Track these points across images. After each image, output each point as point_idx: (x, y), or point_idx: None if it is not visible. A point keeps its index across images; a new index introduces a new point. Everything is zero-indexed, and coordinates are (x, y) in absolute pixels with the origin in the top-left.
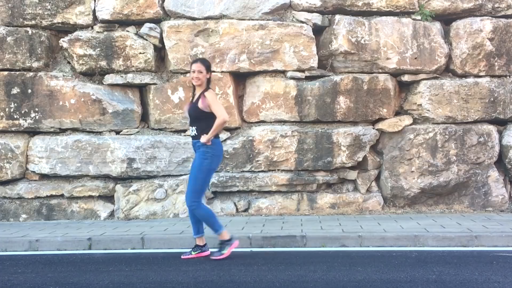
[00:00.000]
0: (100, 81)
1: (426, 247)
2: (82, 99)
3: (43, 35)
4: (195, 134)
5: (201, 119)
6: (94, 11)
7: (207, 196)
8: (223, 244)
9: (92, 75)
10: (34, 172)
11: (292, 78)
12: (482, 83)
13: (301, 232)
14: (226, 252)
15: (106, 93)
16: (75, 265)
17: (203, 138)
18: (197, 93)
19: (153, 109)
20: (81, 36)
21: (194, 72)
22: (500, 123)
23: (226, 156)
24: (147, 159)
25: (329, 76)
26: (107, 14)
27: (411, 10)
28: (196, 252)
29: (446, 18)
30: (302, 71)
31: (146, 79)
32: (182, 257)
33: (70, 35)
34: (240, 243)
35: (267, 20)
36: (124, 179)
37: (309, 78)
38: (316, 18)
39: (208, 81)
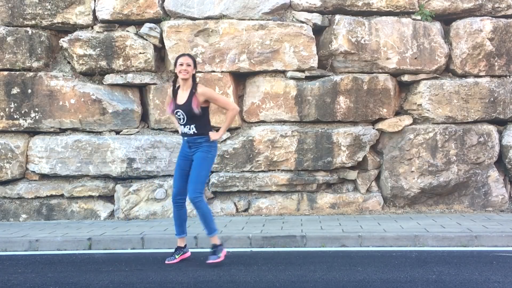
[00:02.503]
0: (100, 81)
1: (426, 247)
2: (82, 99)
3: (43, 35)
4: (194, 132)
5: (199, 117)
6: (94, 11)
7: (207, 196)
8: (217, 248)
9: (92, 75)
10: (34, 172)
11: (292, 78)
12: (482, 83)
13: (301, 232)
14: (222, 255)
15: (106, 93)
16: (75, 265)
17: (215, 135)
18: (183, 90)
19: (153, 109)
20: (81, 36)
21: (182, 65)
22: (500, 123)
23: (226, 156)
24: (147, 159)
25: (329, 76)
26: (107, 14)
27: (411, 10)
28: (179, 255)
29: (446, 18)
30: (302, 71)
31: (146, 79)
32: (166, 262)
33: (70, 35)
34: (240, 243)
35: (267, 20)
36: (124, 179)
37: (309, 78)
38: (316, 18)
39: (194, 78)
